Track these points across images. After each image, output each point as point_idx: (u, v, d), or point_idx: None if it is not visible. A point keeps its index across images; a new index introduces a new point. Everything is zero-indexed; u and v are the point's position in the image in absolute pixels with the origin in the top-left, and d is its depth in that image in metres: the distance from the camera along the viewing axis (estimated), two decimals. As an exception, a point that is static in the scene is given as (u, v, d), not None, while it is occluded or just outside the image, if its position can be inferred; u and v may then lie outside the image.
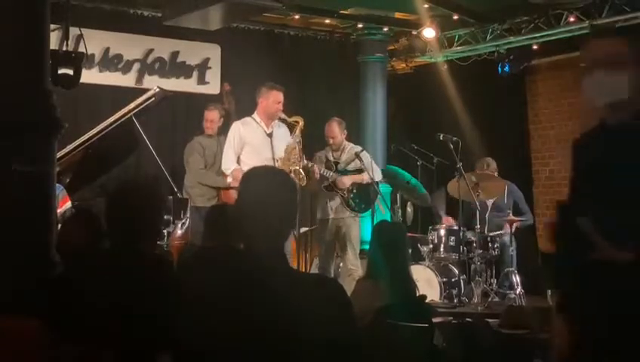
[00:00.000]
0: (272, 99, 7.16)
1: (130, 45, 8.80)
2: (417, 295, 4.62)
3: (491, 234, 7.91)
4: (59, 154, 5.88)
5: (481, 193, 7.73)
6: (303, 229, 8.02)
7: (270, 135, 7.15)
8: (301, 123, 7.17)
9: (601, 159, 2.87)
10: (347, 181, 7.59)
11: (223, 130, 7.87)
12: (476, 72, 9.91)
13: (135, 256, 3.27)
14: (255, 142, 7.15)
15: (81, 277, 3.34)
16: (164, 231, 6.66)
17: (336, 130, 7.69)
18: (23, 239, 4.40)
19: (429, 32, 9.43)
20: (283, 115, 7.19)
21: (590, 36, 7.89)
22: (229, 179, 7.26)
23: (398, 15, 9.78)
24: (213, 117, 7.94)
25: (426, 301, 4.70)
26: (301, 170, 7.12)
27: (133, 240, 3.28)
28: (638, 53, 2.87)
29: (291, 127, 7.28)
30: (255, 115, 7.26)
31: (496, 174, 8.22)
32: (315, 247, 8.32)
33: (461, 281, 7.70)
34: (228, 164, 7.21)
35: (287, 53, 9.71)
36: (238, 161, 7.16)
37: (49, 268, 4.14)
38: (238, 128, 7.25)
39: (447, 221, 8.26)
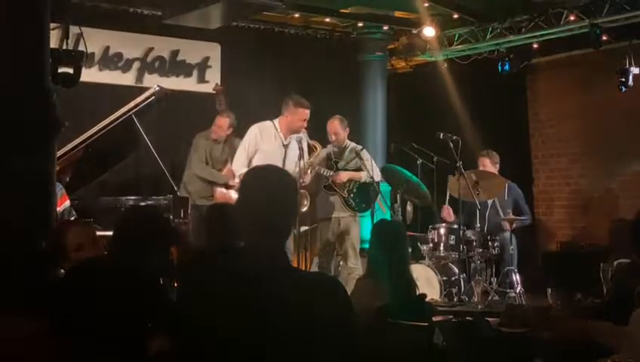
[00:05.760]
0: (298, 116, 7.11)
1: (130, 44, 8.80)
2: (417, 293, 4.62)
3: (492, 230, 7.91)
4: (59, 153, 5.89)
5: (481, 192, 7.72)
6: (303, 228, 8.02)
7: (286, 146, 7.13)
8: (319, 150, 7.15)
9: None
10: (344, 176, 7.59)
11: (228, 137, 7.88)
12: (476, 70, 9.90)
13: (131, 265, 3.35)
14: (269, 149, 7.11)
15: (82, 279, 3.36)
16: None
17: (338, 127, 7.68)
18: (23, 238, 4.39)
19: (429, 31, 9.42)
20: (306, 136, 7.16)
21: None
22: (236, 180, 7.25)
23: (398, 14, 9.77)
24: (222, 123, 7.85)
25: (426, 300, 4.69)
26: (307, 194, 7.13)
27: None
28: None
29: (309, 149, 7.28)
30: (276, 123, 7.21)
31: (497, 166, 8.23)
32: (315, 246, 8.31)
33: (461, 280, 7.70)
34: (238, 166, 7.18)
35: (287, 52, 9.70)
36: (250, 165, 7.13)
37: (49, 266, 4.14)
38: (255, 133, 7.20)
39: (447, 212, 8.20)
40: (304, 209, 7.18)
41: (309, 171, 7.24)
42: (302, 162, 7.11)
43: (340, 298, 2.41)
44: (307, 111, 7.12)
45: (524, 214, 8.31)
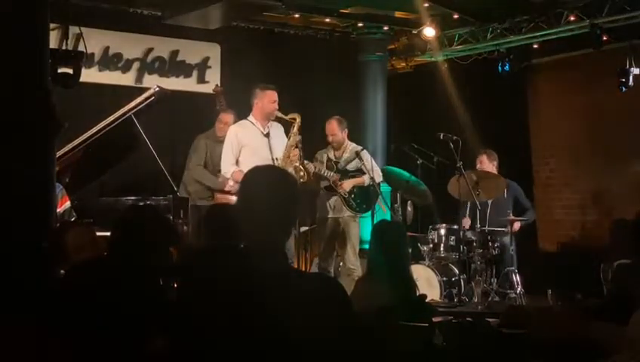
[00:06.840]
0: (267, 99, 7.17)
1: (129, 44, 8.79)
2: (417, 294, 4.62)
3: (492, 230, 7.90)
4: (58, 154, 5.88)
5: (481, 192, 7.73)
6: (303, 229, 8.01)
7: (267, 135, 7.16)
8: (298, 119, 7.17)
9: None
10: (347, 186, 7.60)
11: None
12: (476, 71, 9.90)
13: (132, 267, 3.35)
14: (252, 143, 7.15)
15: (82, 281, 3.36)
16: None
17: (335, 128, 7.69)
18: (23, 239, 4.39)
19: (429, 31, 9.42)
20: (279, 114, 7.19)
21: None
22: (230, 183, 7.26)
23: (398, 14, 9.77)
24: (227, 119, 7.77)
25: (426, 300, 4.69)
26: (301, 167, 7.13)
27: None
28: None
29: (289, 124, 7.28)
30: (251, 117, 7.26)
31: (495, 164, 8.23)
32: (315, 247, 8.31)
33: (461, 281, 7.70)
34: (227, 167, 7.21)
35: (287, 52, 9.69)
36: (237, 164, 7.15)
37: (48, 269, 4.14)
38: (235, 132, 7.25)
39: (466, 223, 8.16)
40: (302, 180, 7.14)
41: (295, 151, 7.21)
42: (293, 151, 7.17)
43: (339, 299, 2.41)
44: (275, 93, 7.19)
45: (527, 210, 8.32)
